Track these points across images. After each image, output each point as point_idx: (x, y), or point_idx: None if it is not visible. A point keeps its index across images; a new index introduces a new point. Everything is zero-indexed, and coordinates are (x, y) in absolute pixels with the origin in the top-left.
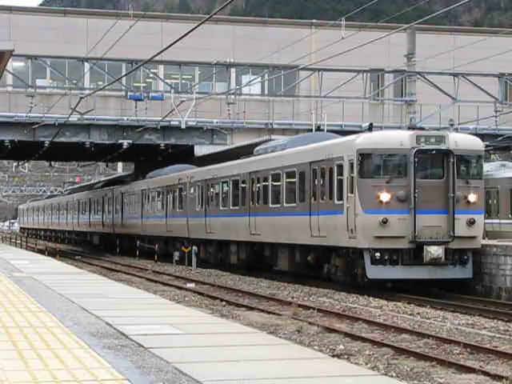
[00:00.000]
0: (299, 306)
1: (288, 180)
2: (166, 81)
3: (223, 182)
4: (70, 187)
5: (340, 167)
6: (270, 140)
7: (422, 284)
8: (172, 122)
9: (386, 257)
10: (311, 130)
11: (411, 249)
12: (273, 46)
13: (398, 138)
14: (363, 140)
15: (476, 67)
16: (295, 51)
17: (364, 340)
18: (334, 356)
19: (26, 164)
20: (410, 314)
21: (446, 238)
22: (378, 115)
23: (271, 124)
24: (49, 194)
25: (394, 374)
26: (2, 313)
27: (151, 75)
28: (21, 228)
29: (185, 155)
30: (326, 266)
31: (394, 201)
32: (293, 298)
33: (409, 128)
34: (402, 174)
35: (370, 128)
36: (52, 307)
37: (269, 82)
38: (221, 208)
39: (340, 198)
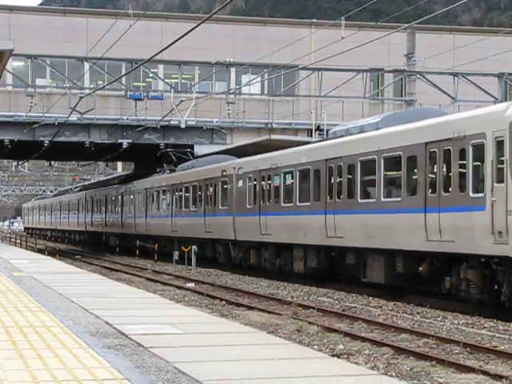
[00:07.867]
0: (299, 305)
1: (388, 167)
2: (166, 80)
3: (286, 173)
4: (80, 184)
5: (478, 148)
6: (270, 140)
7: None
8: (172, 122)
9: None
10: (311, 130)
11: None
12: (273, 45)
13: None
14: None
15: (476, 67)
16: (295, 51)
17: (364, 340)
18: (333, 356)
19: (26, 163)
20: (410, 314)
21: None
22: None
23: (271, 123)
24: (50, 192)
25: (393, 374)
26: (2, 312)
27: (151, 75)
28: (25, 228)
29: (185, 155)
30: (447, 280)
31: None
32: (292, 297)
33: None
34: None
35: None
36: (52, 307)
37: (268, 81)
38: (282, 204)
39: (478, 189)
